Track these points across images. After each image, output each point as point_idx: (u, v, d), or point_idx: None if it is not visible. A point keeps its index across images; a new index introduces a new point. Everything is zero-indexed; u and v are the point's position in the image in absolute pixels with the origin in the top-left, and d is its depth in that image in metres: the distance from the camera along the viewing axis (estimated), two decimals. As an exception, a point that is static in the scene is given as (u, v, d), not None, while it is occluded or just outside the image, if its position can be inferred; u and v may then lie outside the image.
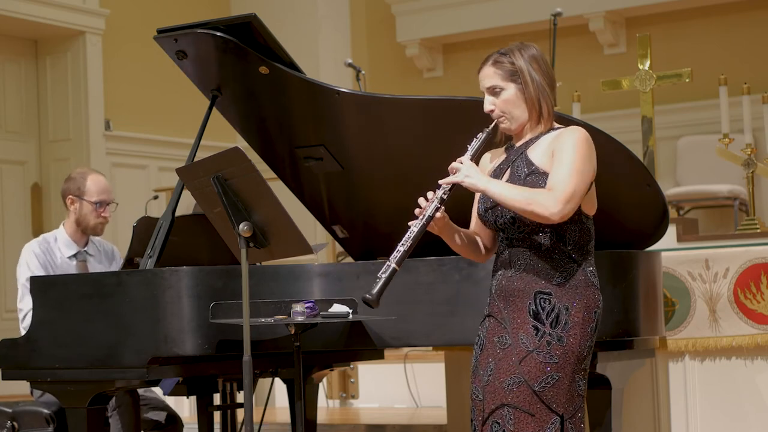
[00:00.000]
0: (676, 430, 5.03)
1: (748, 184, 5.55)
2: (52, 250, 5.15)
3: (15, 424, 4.94)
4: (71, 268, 5.15)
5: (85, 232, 5.20)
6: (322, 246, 5.62)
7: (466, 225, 3.69)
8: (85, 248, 5.21)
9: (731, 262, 4.91)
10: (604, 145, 4.32)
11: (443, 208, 3.48)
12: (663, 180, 8.36)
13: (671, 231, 5.04)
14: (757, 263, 4.87)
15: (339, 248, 6.95)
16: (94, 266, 5.21)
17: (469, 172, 3.44)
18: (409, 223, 3.46)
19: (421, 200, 3.48)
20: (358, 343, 4.35)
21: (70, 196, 5.17)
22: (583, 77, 9.04)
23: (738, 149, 5.53)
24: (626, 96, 6.93)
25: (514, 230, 3.50)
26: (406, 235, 3.44)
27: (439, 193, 3.46)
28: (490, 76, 3.52)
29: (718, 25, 9.57)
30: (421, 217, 3.46)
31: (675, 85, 5.88)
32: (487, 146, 3.60)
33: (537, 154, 3.49)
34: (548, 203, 3.35)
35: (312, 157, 4.76)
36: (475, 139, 3.55)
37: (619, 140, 4.34)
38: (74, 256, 5.17)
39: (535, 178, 3.46)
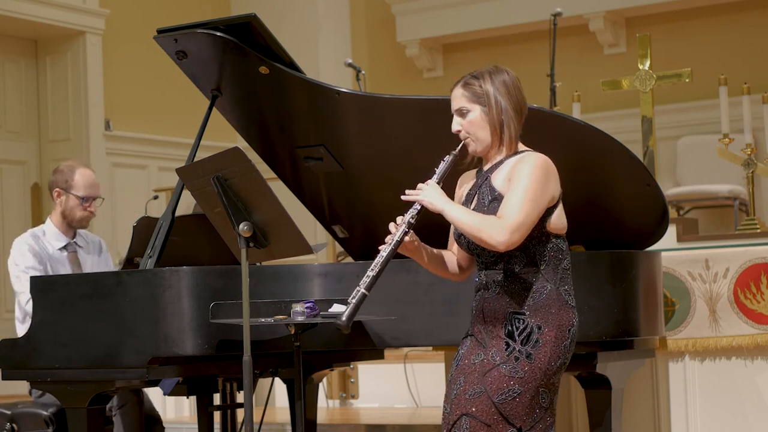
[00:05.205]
0: (676, 430, 5.03)
1: (748, 184, 5.55)
2: (43, 244, 5.17)
3: (14, 426, 4.94)
4: (63, 259, 5.16)
5: (71, 225, 5.22)
6: (322, 246, 5.62)
7: (440, 245, 3.72)
8: (74, 240, 5.24)
9: (731, 262, 4.90)
10: (604, 145, 4.33)
11: (412, 231, 3.51)
12: (663, 180, 8.37)
13: (671, 231, 5.04)
14: (757, 263, 4.87)
15: (339, 248, 6.94)
16: (84, 257, 5.24)
17: (430, 193, 3.49)
18: (379, 248, 3.50)
19: (391, 225, 3.52)
20: (358, 343, 4.35)
21: (57, 189, 5.18)
22: (583, 77, 9.04)
23: (738, 149, 5.53)
24: (626, 96, 6.93)
25: (486, 254, 3.53)
26: (376, 260, 3.48)
27: (407, 217, 3.50)
28: (458, 97, 3.57)
29: (718, 25, 9.57)
30: (389, 241, 3.50)
31: (675, 85, 5.87)
32: (456, 169, 3.62)
33: (499, 180, 3.52)
34: (495, 232, 3.38)
35: (312, 157, 4.76)
36: (442, 162, 3.58)
37: (619, 140, 4.34)
38: (64, 247, 5.20)
39: (498, 204, 3.48)
